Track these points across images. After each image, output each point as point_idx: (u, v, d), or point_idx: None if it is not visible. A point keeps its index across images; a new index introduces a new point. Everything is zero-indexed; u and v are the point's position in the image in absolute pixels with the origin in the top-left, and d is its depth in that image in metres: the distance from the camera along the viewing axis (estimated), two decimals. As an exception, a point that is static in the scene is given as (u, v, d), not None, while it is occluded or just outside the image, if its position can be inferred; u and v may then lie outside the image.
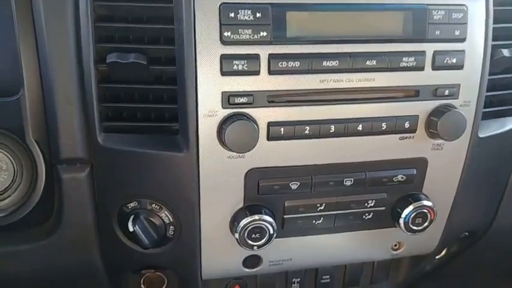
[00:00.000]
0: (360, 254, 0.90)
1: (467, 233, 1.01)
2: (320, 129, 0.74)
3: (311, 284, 0.99)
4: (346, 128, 0.75)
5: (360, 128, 0.75)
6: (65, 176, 0.75)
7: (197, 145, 0.72)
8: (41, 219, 0.80)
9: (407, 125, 0.77)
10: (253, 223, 0.76)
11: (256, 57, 0.68)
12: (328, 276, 0.99)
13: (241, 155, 0.73)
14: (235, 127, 0.69)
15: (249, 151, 0.71)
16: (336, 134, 0.75)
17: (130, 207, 0.78)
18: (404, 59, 0.73)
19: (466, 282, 1.26)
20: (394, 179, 0.81)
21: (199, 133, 0.71)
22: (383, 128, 0.76)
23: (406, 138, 0.79)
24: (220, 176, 0.74)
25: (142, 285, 0.93)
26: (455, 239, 0.99)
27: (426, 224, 0.83)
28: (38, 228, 0.80)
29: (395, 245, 0.91)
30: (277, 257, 0.85)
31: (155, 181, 0.75)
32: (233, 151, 0.71)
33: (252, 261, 0.85)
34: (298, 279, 0.98)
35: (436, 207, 0.83)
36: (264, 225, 0.77)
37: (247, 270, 0.86)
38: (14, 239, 0.79)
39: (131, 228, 0.75)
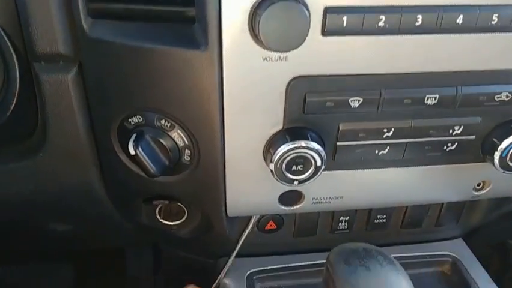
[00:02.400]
0: (432, 195, 0.69)
1: None
2: (400, 20, 0.50)
3: (362, 223, 0.81)
4: (439, 20, 0.51)
5: (460, 20, 0.51)
6: (45, 77, 0.56)
7: (219, 39, 0.50)
8: (24, 133, 0.63)
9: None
10: (294, 151, 0.56)
11: None
12: (384, 216, 0.80)
13: (282, 55, 0.51)
14: (275, 12, 0.46)
15: (294, 50, 0.49)
16: (423, 29, 0.51)
17: (132, 122, 0.59)
18: None
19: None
20: (496, 98, 0.58)
21: (223, 21, 0.49)
22: (494, 22, 0.52)
23: (520, 38, 0.54)
24: (251, 84, 0.53)
25: (158, 216, 0.77)
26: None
27: (530, 160, 0.61)
28: (21, 144, 0.63)
29: (478, 185, 0.70)
30: (324, 194, 0.66)
31: (164, 89, 0.55)
32: (271, 49, 0.49)
33: (291, 197, 0.66)
34: (347, 218, 0.80)
35: (547, 140, 0.60)
36: (310, 154, 0.56)
37: (284, 207, 0.67)
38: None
39: (132, 151, 0.57)
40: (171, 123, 0.58)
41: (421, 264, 0.84)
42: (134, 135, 0.57)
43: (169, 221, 0.77)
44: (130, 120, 0.59)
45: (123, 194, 0.69)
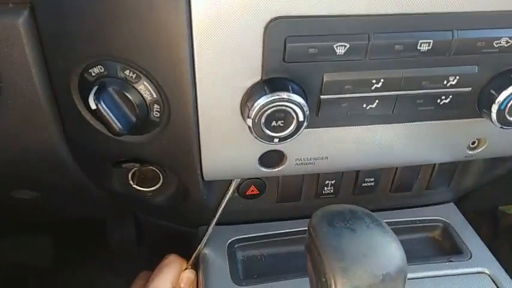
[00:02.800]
0: (424, 154, 0.64)
1: None
2: None
3: (349, 187, 0.77)
4: (435, -50, 0.45)
5: (458, -49, 0.45)
6: (-8, 21, 0.49)
7: (186, -27, 0.44)
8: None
9: None
10: (274, 104, 0.51)
11: None
12: (372, 179, 0.76)
13: (258, -8, 0.45)
14: None
15: (270, -16, 0.44)
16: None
17: (93, 73, 0.53)
18: None
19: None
20: (495, 44, 0.52)
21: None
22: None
23: (525, -24, 0.49)
24: (225, 26, 0.47)
25: (131, 181, 0.71)
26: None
27: (530, 114, 0.56)
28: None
29: (473, 143, 0.65)
30: (308, 154, 0.61)
31: (125, 32, 0.49)
32: (245, -17, 0.43)
33: (272, 158, 0.61)
34: (333, 182, 0.75)
35: (547, 91, 0.55)
36: (291, 108, 0.51)
37: (264, 169, 0.62)
38: None
39: (93, 105, 0.51)
40: (136, 74, 0.52)
41: (411, 230, 0.81)
42: (95, 88, 0.51)
43: (143, 187, 0.72)
44: (90, 71, 0.53)
45: (89, 156, 0.64)
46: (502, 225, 1.32)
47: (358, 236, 0.46)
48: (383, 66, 0.53)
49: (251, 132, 0.53)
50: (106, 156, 0.63)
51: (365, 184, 0.76)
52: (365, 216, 0.48)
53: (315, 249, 0.47)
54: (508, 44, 0.53)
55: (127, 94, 0.53)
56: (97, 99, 0.51)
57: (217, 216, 0.71)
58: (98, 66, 0.52)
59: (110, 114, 0.51)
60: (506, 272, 0.72)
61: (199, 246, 0.73)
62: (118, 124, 0.52)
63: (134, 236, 1.21)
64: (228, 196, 0.70)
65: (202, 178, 0.62)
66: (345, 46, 0.50)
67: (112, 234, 1.22)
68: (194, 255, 0.73)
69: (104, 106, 0.51)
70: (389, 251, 0.45)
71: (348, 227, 0.47)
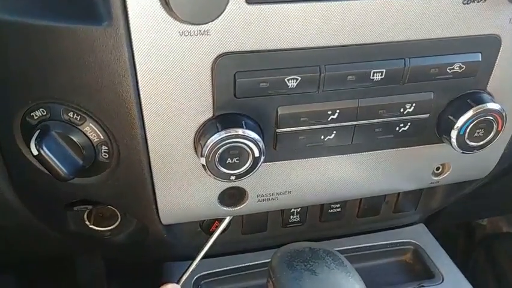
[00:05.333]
0: (389, 183, 0.63)
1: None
2: (335, -17, 0.43)
3: (315, 215, 0.75)
4: (381, -19, 0.44)
5: (404, -19, 0.44)
6: None
7: (125, 12, 0.42)
8: None
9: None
10: (228, 141, 0.49)
11: None
12: (338, 205, 0.74)
13: (202, 28, 0.44)
14: (186, -25, 0.38)
15: (214, 21, 0.42)
16: (362, -8, 0.45)
17: (35, 117, 0.50)
18: None
19: (504, 203, 1.03)
20: (448, 70, 0.52)
21: (127, -11, 0.41)
22: (441, -17, 0.45)
23: (474, 1, 0.48)
24: (170, 65, 0.45)
25: (87, 221, 0.68)
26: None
27: (489, 137, 0.56)
28: None
29: (437, 169, 0.64)
30: (269, 189, 0.59)
31: (66, 74, 0.46)
32: (187, 22, 0.41)
33: (232, 195, 0.59)
34: (299, 210, 0.73)
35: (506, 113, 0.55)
36: (245, 144, 0.49)
37: (225, 209, 0.60)
38: None
39: (34, 151, 0.48)
40: (81, 116, 0.49)
41: (382, 255, 0.79)
42: (37, 132, 0.48)
43: (101, 227, 0.68)
44: (32, 114, 0.50)
45: (38, 201, 0.60)
46: (477, 237, 1.33)
47: (319, 279, 0.44)
48: (337, 97, 0.51)
49: (206, 170, 0.50)
50: (56, 199, 0.60)
51: (332, 210, 0.74)
52: (326, 255, 0.46)
53: (275, 293, 0.44)
54: (462, 69, 0.52)
55: (72, 137, 0.50)
56: (39, 144, 0.48)
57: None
58: (40, 109, 0.49)
59: (54, 159, 0.48)
60: None
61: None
62: (63, 169, 0.49)
63: (103, 272, 1.16)
64: (216, 234, 0.66)
65: (160, 221, 0.59)
66: (296, 79, 0.48)
67: (81, 271, 1.17)
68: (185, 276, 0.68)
69: (46, 151, 0.48)
70: (351, 294, 0.43)
71: (309, 268, 0.45)
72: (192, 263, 0.66)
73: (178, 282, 0.65)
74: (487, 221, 1.33)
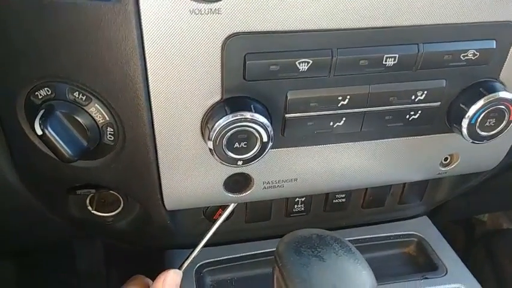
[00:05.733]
0: (396, 173, 0.62)
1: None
2: (352, -37, 0.42)
3: (320, 204, 0.74)
4: (397, -38, 0.43)
5: (421, -37, 0.43)
6: None
7: (135, -13, 0.41)
8: None
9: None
10: (236, 125, 0.48)
11: None
12: (343, 196, 0.73)
13: (213, 6, 0.43)
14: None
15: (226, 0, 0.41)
16: (378, -26, 0.43)
17: (40, 96, 0.49)
18: None
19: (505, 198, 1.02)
20: (462, 56, 0.51)
21: (137, -36, 0.39)
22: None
23: (490, -13, 0.47)
24: (179, 45, 0.44)
25: (89, 207, 0.67)
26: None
27: (500, 127, 0.55)
28: None
29: (446, 159, 0.63)
30: (276, 176, 0.58)
31: (72, 52, 0.45)
32: (198, -1, 0.40)
33: (238, 182, 0.58)
34: (303, 199, 0.72)
35: (517, 103, 0.54)
36: (254, 128, 0.48)
37: (231, 195, 0.59)
38: None
39: (38, 131, 0.46)
40: (86, 96, 0.48)
41: (386, 246, 0.78)
42: (41, 112, 0.47)
43: (103, 212, 0.68)
44: (37, 93, 0.49)
45: (41, 183, 0.59)
46: (477, 233, 1.32)
47: (327, 265, 0.43)
48: (348, 83, 0.50)
49: (212, 155, 0.49)
50: (59, 182, 0.59)
51: (336, 201, 0.73)
52: (334, 241, 0.45)
53: (283, 280, 0.44)
54: (476, 57, 0.51)
55: (77, 117, 0.49)
56: (43, 124, 0.47)
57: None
58: (45, 89, 0.48)
59: (58, 140, 0.47)
60: (482, 286, 0.71)
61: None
62: (68, 150, 0.48)
63: (103, 257, 1.15)
64: (220, 221, 0.65)
65: (164, 207, 0.58)
66: (308, 62, 0.47)
67: (80, 259, 1.17)
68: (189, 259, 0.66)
69: (51, 131, 0.47)
70: (360, 281, 0.42)
71: (317, 254, 0.44)
72: (194, 249, 0.65)
73: (180, 269, 0.64)
74: (487, 217, 1.33)
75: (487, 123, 0.54)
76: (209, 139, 0.48)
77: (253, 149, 0.50)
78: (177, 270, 0.63)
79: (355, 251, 0.45)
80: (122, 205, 0.67)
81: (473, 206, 1.03)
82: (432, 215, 0.85)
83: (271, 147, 0.51)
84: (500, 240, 1.25)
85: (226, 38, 0.45)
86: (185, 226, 0.70)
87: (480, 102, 0.53)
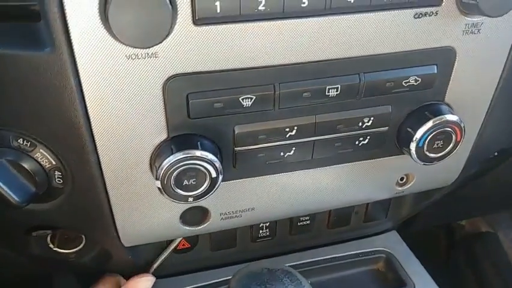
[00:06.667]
0: (353, 196, 0.63)
1: (496, 153, 0.74)
2: (284, 2, 0.42)
3: (285, 228, 0.74)
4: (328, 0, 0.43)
5: (352, -3, 0.44)
6: None
7: (67, 36, 0.41)
8: None
9: (429, -10, 0.46)
10: (183, 163, 0.48)
11: None
12: (307, 218, 0.74)
13: (150, 51, 0.43)
14: (126, -2, 0.37)
15: (160, 44, 0.41)
16: (311, 11, 0.44)
17: (-16, 145, 0.48)
18: None
19: (479, 205, 1.04)
20: (404, 83, 0.52)
21: (68, 14, 0.40)
22: (391, -2, 0.45)
23: (425, 15, 0.48)
24: (119, 89, 0.44)
25: (51, 244, 0.66)
26: (482, 161, 0.72)
27: (449, 148, 0.56)
28: None
29: (402, 179, 0.64)
30: (232, 207, 0.58)
31: (11, 101, 0.45)
32: (131, 45, 0.40)
33: (195, 214, 0.58)
34: (267, 224, 0.73)
35: (464, 124, 0.55)
36: (201, 165, 0.48)
37: (188, 228, 0.59)
38: None
39: (-17, 180, 0.46)
40: (31, 142, 0.48)
41: (354, 264, 0.79)
42: (-14, 160, 0.47)
43: (65, 249, 0.67)
44: (-19, 141, 0.48)
45: (-3, 226, 0.59)
46: (457, 237, 1.34)
47: (276, 301, 0.43)
48: (294, 114, 0.51)
49: (162, 193, 0.50)
50: (13, 225, 0.58)
51: (301, 223, 0.74)
52: (284, 276, 0.46)
53: (234, 318, 0.44)
54: (418, 82, 0.52)
55: (23, 163, 0.49)
56: (-12, 173, 0.46)
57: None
58: (-11, 137, 0.48)
59: (4, 188, 0.47)
60: None
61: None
62: (14, 197, 0.48)
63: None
64: (164, 257, 0.66)
65: (121, 244, 0.58)
66: (251, 98, 0.48)
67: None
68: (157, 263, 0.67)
69: (-4, 180, 0.47)
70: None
71: None
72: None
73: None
74: (465, 221, 1.34)
75: (435, 145, 0.55)
76: (157, 178, 0.48)
77: (202, 185, 0.50)
78: (150, 275, 0.63)
79: (305, 284, 0.45)
80: (84, 241, 0.66)
81: (443, 215, 1.04)
82: (403, 227, 0.85)
83: (225, 180, 0.51)
84: (480, 244, 1.26)
85: (166, 80, 0.45)
86: (149, 256, 0.70)
87: (427, 125, 0.54)
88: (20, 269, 0.78)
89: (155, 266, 0.66)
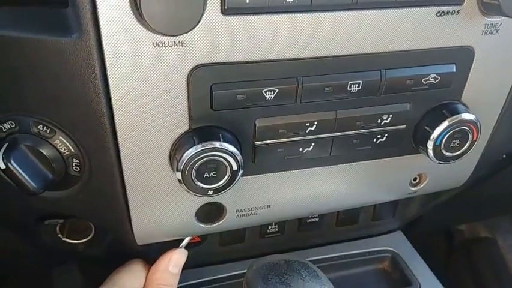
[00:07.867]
0: (367, 195, 0.63)
1: (504, 156, 0.74)
2: (313, -5, 0.43)
3: (294, 224, 0.74)
4: (356, -5, 0.44)
5: (378, -6, 0.44)
6: None
7: (96, 24, 0.40)
8: None
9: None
10: (204, 155, 0.48)
11: None
12: (316, 215, 0.74)
13: (177, 39, 0.43)
14: (161, -14, 0.37)
15: (189, 33, 0.41)
16: (339, 4, 0.45)
17: (4, 129, 0.48)
18: None
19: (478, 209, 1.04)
20: (423, 81, 0.52)
21: (98, 1, 0.39)
22: (416, -5, 0.46)
23: (448, 13, 0.49)
24: (144, 77, 0.44)
25: (60, 235, 0.66)
26: (491, 163, 0.73)
27: (465, 147, 0.57)
28: None
29: (415, 179, 0.64)
30: (249, 203, 0.58)
31: (35, 86, 0.45)
32: (160, 32, 0.40)
33: (210, 211, 0.57)
34: (277, 220, 0.72)
35: (480, 123, 0.56)
36: (223, 157, 0.48)
37: (203, 226, 0.58)
38: None
39: (1, 165, 0.46)
40: (51, 128, 0.48)
41: (361, 263, 0.79)
42: (5, 145, 0.47)
43: (74, 239, 0.67)
44: (1, 127, 0.48)
45: (10, 214, 0.58)
46: (456, 241, 1.34)
47: (294, 292, 0.43)
48: (315, 109, 0.51)
49: (182, 185, 0.49)
50: (25, 213, 0.58)
51: (310, 220, 0.74)
52: (301, 268, 0.46)
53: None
54: (437, 81, 0.52)
55: (42, 150, 0.48)
56: (6, 157, 0.46)
57: None
58: (9, 122, 0.47)
59: (22, 173, 0.47)
60: None
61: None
62: (32, 183, 0.47)
63: (80, 282, 1.13)
64: (189, 238, 0.65)
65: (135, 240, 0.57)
66: (274, 91, 0.48)
67: (57, 282, 1.14)
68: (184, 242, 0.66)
69: (14, 165, 0.46)
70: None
71: (284, 281, 0.44)
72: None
73: None
74: (464, 226, 1.35)
75: (452, 144, 0.55)
76: (177, 170, 0.48)
77: (223, 178, 0.50)
78: (183, 249, 0.61)
79: (322, 276, 0.46)
80: (93, 232, 0.66)
81: (447, 218, 1.05)
82: (407, 229, 0.86)
83: (243, 175, 0.51)
84: (480, 249, 1.27)
85: (191, 70, 0.45)
86: (161, 248, 0.69)
87: (444, 124, 0.54)
88: (25, 259, 0.78)
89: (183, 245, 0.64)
